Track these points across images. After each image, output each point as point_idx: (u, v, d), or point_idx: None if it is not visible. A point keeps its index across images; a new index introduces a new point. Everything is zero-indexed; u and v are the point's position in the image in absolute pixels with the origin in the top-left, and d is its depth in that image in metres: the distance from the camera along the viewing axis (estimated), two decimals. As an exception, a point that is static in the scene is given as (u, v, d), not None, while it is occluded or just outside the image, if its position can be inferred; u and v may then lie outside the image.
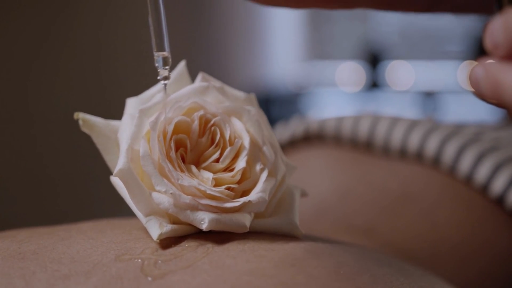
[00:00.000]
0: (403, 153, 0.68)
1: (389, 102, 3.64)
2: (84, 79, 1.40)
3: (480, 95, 0.31)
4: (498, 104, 0.30)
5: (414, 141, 0.67)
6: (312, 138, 0.73)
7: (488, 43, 0.30)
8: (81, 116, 0.38)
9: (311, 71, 4.08)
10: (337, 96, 3.89)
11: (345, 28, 4.21)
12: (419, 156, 0.67)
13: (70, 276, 0.31)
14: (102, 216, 0.45)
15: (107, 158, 0.38)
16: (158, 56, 0.37)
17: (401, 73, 3.87)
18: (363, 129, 0.70)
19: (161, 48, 0.37)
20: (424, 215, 0.61)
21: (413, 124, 0.69)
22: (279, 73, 3.65)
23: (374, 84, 3.77)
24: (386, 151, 0.69)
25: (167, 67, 0.37)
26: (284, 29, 3.96)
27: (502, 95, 0.29)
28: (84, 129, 0.38)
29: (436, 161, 0.65)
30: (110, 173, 0.38)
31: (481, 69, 0.30)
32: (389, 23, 4.06)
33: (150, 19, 0.37)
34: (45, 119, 1.27)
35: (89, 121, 0.38)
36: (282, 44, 3.92)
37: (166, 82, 0.38)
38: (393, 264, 0.39)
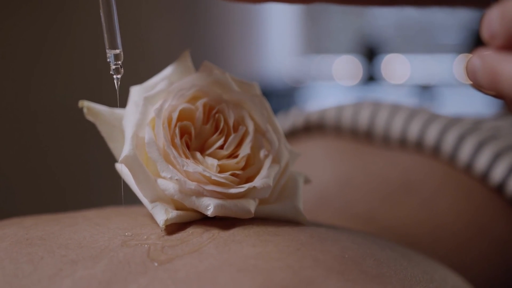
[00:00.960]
0: (403, 143, 0.68)
1: (386, 95, 3.64)
2: (86, 69, 1.40)
3: (478, 86, 0.31)
4: (496, 95, 0.30)
5: (414, 131, 0.67)
6: (312, 129, 0.74)
7: (485, 33, 0.30)
8: (85, 104, 0.38)
9: (308, 65, 4.08)
10: (334, 90, 3.90)
11: (342, 22, 4.21)
12: (419, 146, 0.67)
13: (78, 261, 0.32)
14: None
15: (112, 146, 0.38)
16: (110, 53, 0.37)
17: (397, 67, 3.88)
18: (363, 119, 0.70)
19: (113, 46, 0.37)
20: (424, 204, 0.62)
21: (412, 114, 0.69)
22: (276, 67, 3.66)
23: (370, 78, 3.78)
24: (386, 141, 0.69)
25: (119, 62, 0.38)
26: (281, 23, 3.96)
27: (500, 85, 0.29)
28: (89, 117, 0.38)
29: (436, 150, 0.66)
30: (111, 163, 0.38)
31: (478, 60, 0.30)
32: (385, 17, 4.07)
33: (102, 15, 0.37)
34: (48, 110, 1.27)
35: (93, 109, 0.38)
36: (279, 38, 3.92)
37: (118, 76, 0.38)
38: (396, 249, 0.39)
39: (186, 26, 2.26)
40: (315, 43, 4.26)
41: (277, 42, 3.89)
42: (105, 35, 0.37)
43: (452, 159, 0.65)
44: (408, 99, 3.45)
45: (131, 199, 0.40)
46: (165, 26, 2.01)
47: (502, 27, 0.29)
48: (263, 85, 3.16)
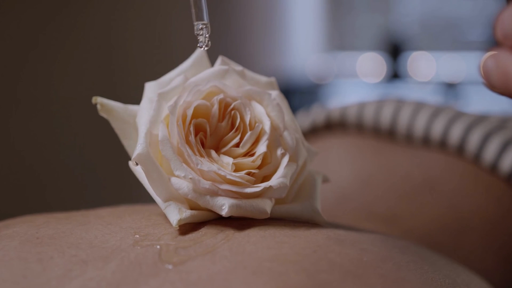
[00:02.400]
0: (426, 141, 0.66)
1: (410, 93, 3.60)
2: (100, 64, 1.40)
3: (491, 87, 0.30)
4: (509, 95, 0.30)
5: (437, 129, 0.66)
6: (333, 126, 0.72)
7: (498, 33, 0.29)
8: (99, 100, 0.37)
9: (331, 62, 4.06)
10: (358, 87, 3.87)
11: (366, 19, 4.18)
12: (443, 144, 0.65)
13: (88, 261, 0.31)
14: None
15: (126, 143, 0.37)
16: (198, 24, 0.38)
17: (423, 64, 3.84)
18: (385, 117, 0.68)
19: (199, 18, 0.38)
20: (446, 202, 0.60)
21: (436, 112, 0.67)
22: (300, 64, 3.64)
23: (395, 75, 3.74)
24: (409, 139, 0.67)
25: (207, 34, 0.38)
26: (305, 20, 3.94)
27: (511, 85, 0.28)
28: (102, 114, 0.37)
29: (460, 149, 0.64)
30: (125, 161, 0.37)
31: (491, 61, 0.30)
32: (410, 14, 4.03)
33: None
34: (60, 107, 1.27)
35: (107, 106, 0.37)
36: (302, 35, 3.91)
37: (205, 48, 0.39)
38: (417, 252, 0.38)
39: (209, 22, 2.25)
40: (339, 40, 4.24)
41: (301, 39, 3.87)
42: (192, 8, 0.38)
43: (477, 158, 0.63)
44: (433, 97, 3.42)
45: (148, 198, 0.39)
46: (188, 22, 2.01)
47: None
48: (287, 82, 3.15)
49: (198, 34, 0.38)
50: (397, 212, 0.59)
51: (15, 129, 1.17)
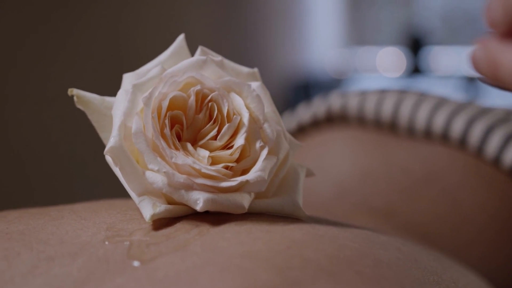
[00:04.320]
0: (428, 134, 0.65)
1: (431, 87, 3.57)
2: (99, 60, 1.39)
3: (482, 77, 0.30)
4: (497, 85, 0.29)
5: (439, 122, 0.64)
6: (335, 119, 0.71)
7: (487, 21, 0.28)
8: (75, 92, 0.36)
9: (351, 57, 4.04)
10: (378, 82, 3.84)
11: (386, 13, 4.15)
12: (444, 137, 0.64)
13: (56, 257, 0.30)
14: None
15: (103, 136, 0.37)
16: None
17: (443, 58, 3.80)
18: (387, 110, 0.67)
19: None
20: (446, 196, 0.59)
21: (438, 104, 0.66)
22: (320, 59, 3.62)
23: (415, 70, 3.71)
24: (411, 132, 0.66)
25: None
26: (325, 15, 3.92)
27: (499, 74, 0.27)
28: (79, 106, 0.36)
29: (462, 142, 0.63)
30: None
31: (480, 50, 0.29)
32: (431, 7, 3.99)
33: None
34: (46, 103, 1.26)
35: (83, 98, 0.36)
36: (322, 30, 3.89)
37: None
38: (401, 248, 0.36)
39: (228, 17, 2.24)
40: (359, 34, 4.21)
41: (321, 33, 3.86)
42: None
43: (479, 151, 0.61)
44: (454, 91, 3.39)
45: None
46: (207, 17, 2.00)
47: (502, 15, 0.27)
48: (306, 76, 3.14)
49: None
50: (396, 206, 0.58)
51: (15, 128, 1.16)
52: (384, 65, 3.93)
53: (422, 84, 3.60)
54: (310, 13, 3.64)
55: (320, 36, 3.84)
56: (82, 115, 0.39)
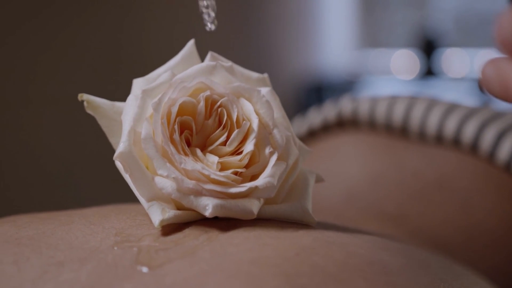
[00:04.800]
0: (439, 139, 0.64)
1: (444, 90, 3.55)
2: (98, 63, 1.39)
3: (492, 93, 0.29)
4: (509, 102, 0.29)
5: (450, 127, 0.64)
6: (345, 124, 0.71)
7: (498, 39, 0.28)
8: (85, 97, 0.36)
9: (365, 59, 4.03)
10: (391, 84, 3.83)
11: (399, 16, 4.14)
12: (456, 142, 0.63)
13: (65, 262, 0.30)
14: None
15: (112, 141, 0.37)
16: (203, 3, 0.38)
17: (457, 61, 3.79)
18: (398, 114, 0.67)
19: None
20: (457, 201, 0.59)
21: (449, 109, 0.65)
22: (333, 61, 3.62)
23: (429, 72, 3.69)
24: (422, 137, 0.66)
25: (212, 12, 0.38)
26: (338, 17, 3.92)
27: (511, 93, 0.27)
28: (89, 111, 0.37)
29: (473, 147, 0.62)
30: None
31: (491, 68, 0.28)
32: (444, 10, 3.98)
33: None
34: (50, 105, 1.26)
35: (93, 103, 0.36)
36: (335, 32, 3.88)
37: (212, 27, 0.39)
38: (411, 254, 0.36)
39: (242, 19, 2.24)
40: (372, 37, 4.20)
41: (334, 36, 3.85)
42: None
43: (491, 156, 0.61)
44: (467, 94, 3.37)
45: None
46: (220, 20, 2.00)
47: None
48: (319, 79, 3.14)
49: (202, 12, 0.37)
50: (406, 211, 0.57)
51: (15, 129, 1.17)
52: (398, 67, 3.92)
53: (435, 86, 3.58)
54: (324, 15, 3.64)
55: (334, 38, 3.83)
56: (85, 119, 0.39)
